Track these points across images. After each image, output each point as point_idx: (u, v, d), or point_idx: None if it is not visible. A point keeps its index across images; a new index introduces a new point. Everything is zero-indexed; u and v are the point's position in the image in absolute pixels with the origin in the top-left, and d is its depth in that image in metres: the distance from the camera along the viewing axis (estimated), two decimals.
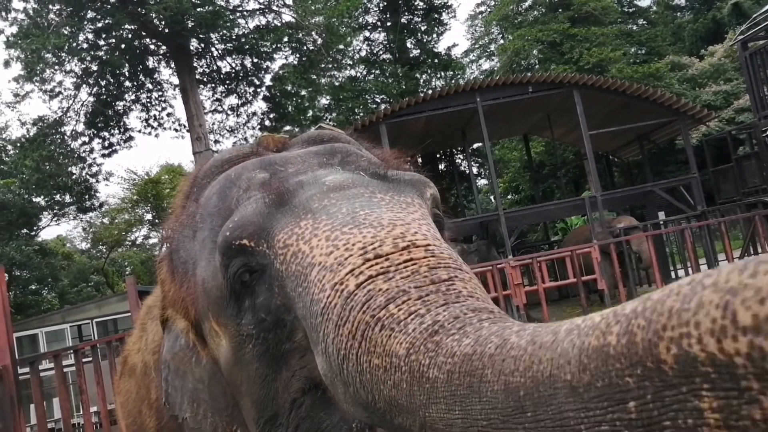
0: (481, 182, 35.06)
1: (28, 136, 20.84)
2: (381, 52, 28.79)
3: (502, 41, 34.03)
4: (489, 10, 36.44)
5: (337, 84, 25.91)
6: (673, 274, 15.38)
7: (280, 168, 1.27)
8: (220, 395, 1.36)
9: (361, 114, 23.59)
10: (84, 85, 20.58)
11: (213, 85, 22.77)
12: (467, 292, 0.92)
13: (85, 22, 19.31)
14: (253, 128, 23.31)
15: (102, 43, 19.95)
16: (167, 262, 1.43)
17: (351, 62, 27.49)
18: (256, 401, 1.19)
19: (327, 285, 0.99)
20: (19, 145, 21.88)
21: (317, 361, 1.03)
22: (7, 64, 18.98)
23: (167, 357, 1.49)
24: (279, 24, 21.17)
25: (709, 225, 12.97)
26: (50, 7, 19.18)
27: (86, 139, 21.65)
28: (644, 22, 35.42)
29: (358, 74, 27.96)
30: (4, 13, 18.96)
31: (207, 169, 1.45)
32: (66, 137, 21.11)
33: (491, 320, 0.85)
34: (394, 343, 0.87)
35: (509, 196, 31.48)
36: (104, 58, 19.59)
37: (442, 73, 29.07)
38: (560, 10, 29.55)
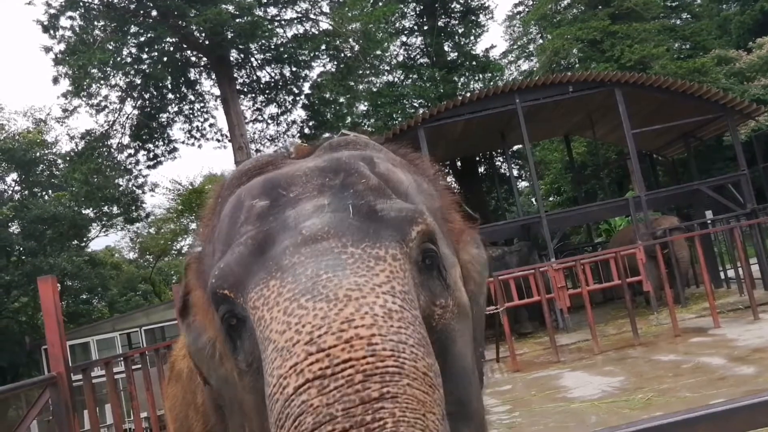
0: (522, 184, 34.69)
1: (76, 149, 21.39)
2: (418, 57, 28.74)
3: (540, 41, 33.60)
4: (527, 9, 36.02)
5: (374, 90, 25.92)
6: (722, 275, 14.96)
7: (282, 192, 1.24)
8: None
9: (400, 119, 23.54)
10: (128, 99, 21.07)
11: (253, 94, 23.06)
12: (392, 423, 0.91)
13: (129, 37, 19.80)
14: (293, 136, 23.48)
15: (145, 56, 20.40)
16: (195, 269, 1.46)
17: (388, 67, 27.49)
18: (254, 429, 1.22)
19: (275, 372, 0.98)
20: (68, 159, 22.54)
21: None
22: (55, 80, 19.52)
23: (191, 351, 1.50)
24: (316, 32, 21.33)
25: (760, 223, 12.58)
26: (95, 23, 19.74)
27: (132, 151, 22.11)
28: (688, 15, 34.50)
29: (396, 79, 27.94)
30: (52, 31, 19.59)
31: (229, 181, 1.43)
32: (112, 150, 21.61)
33: None
34: None
35: (551, 198, 31.06)
36: (147, 71, 20.04)
37: (481, 76, 28.83)
38: (600, 6, 29.04)
